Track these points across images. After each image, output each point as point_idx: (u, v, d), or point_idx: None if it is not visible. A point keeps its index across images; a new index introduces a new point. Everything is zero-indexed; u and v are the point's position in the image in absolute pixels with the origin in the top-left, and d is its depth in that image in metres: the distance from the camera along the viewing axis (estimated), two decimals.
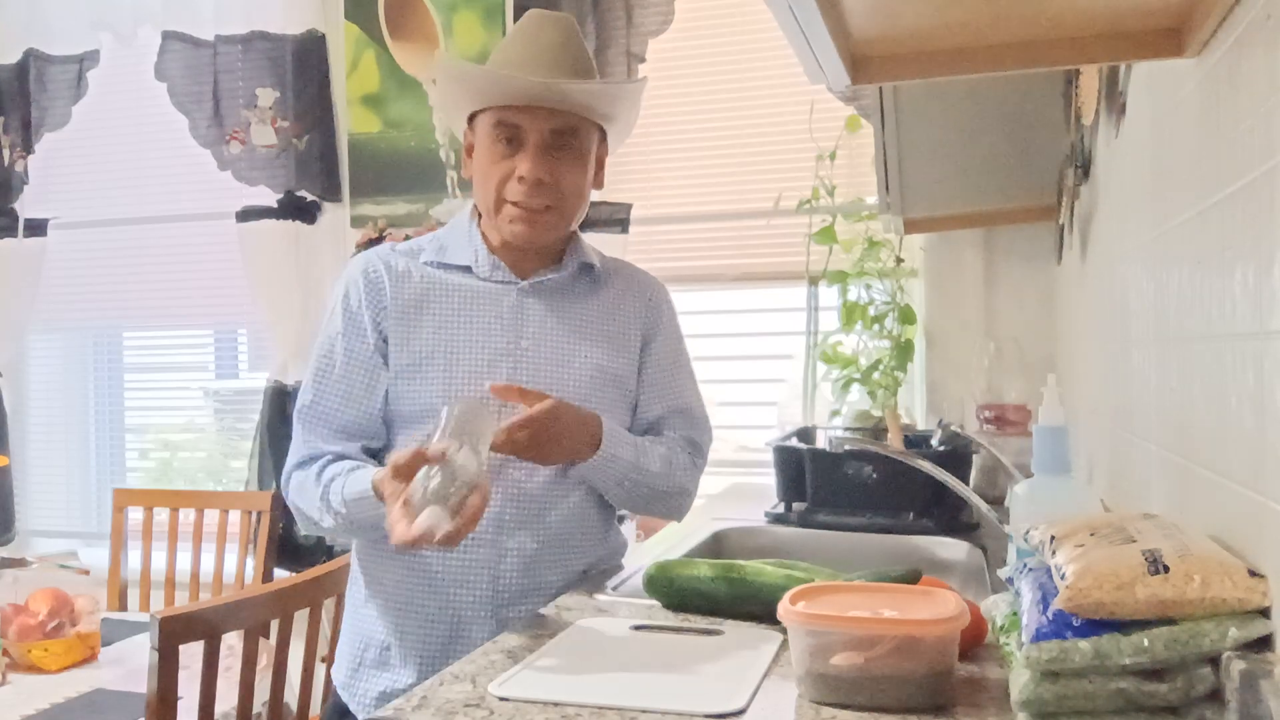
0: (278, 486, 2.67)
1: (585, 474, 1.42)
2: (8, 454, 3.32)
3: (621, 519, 2.66)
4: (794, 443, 2.01)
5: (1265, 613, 0.74)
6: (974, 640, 1.05)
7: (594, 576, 1.47)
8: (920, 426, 2.44)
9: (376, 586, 1.44)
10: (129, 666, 2.05)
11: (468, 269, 1.47)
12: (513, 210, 1.41)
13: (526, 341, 1.44)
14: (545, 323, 1.46)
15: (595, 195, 2.80)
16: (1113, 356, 1.45)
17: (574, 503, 1.45)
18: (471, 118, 1.46)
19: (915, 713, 0.90)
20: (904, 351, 2.54)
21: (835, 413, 2.55)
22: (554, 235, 1.46)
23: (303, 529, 1.48)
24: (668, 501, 1.51)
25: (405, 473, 1.19)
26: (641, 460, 1.44)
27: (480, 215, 1.49)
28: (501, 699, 0.96)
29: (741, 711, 0.93)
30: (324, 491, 1.37)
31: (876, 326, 2.56)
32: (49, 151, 3.29)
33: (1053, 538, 0.90)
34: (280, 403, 3.04)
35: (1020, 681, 0.81)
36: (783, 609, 0.96)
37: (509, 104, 1.39)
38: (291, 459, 1.46)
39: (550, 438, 1.34)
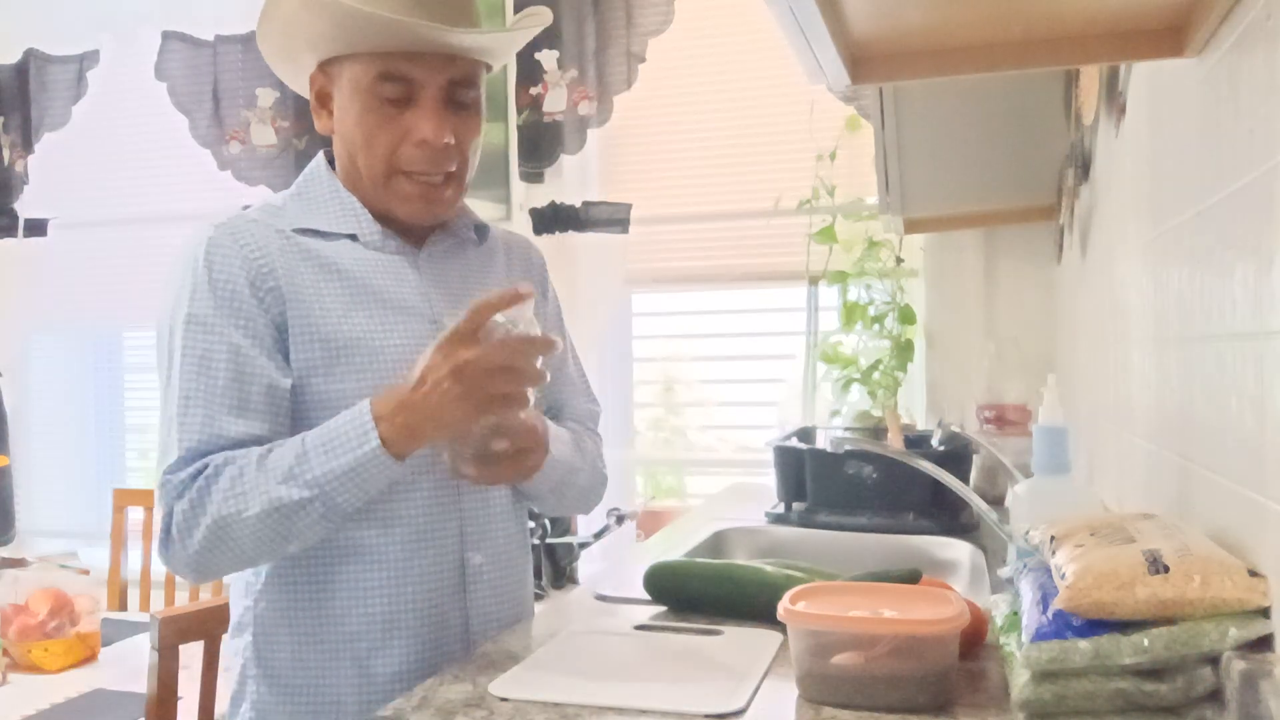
0: None
1: (528, 481, 1.22)
2: (8, 454, 3.32)
3: (622, 519, 2.66)
4: (794, 443, 2.01)
5: (1265, 613, 0.74)
6: (974, 640, 1.05)
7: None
8: (920, 426, 2.44)
9: (315, 648, 1.17)
10: (129, 666, 2.05)
11: (353, 238, 1.22)
12: (408, 185, 1.19)
13: (448, 321, 1.16)
14: (455, 296, 1.24)
15: (595, 195, 2.84)
16: (1113, 356, 1.45)
17: (522, 511, 1.33)
18: (329, 59, 1.19)
19: (915, 713, 0.90)
20: (904, 351, 2.54)
21: (835, 413, 2.55)
22: (454, 207, 1.26)
23: (196, 574, 1.13)
24: (589, 496, 1.37)
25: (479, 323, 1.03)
26: (575, 459, 1.30)
27: (337, 170, 1.25)
28: (501, 699, 0.96)
29: (741, 711, 0.93)
30: (258, 461, 1.08)
31: (876, 326, 2.56)
32: (49, 151, 3.29)
33: (1053, 538, 0.90)
34: None
35: (1020, 681, 0.81)
36: (783, 609, 0.96)
37: (398, 50, 1.14)
38: (170, 498, 1.10)
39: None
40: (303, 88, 1.27)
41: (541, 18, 1.26)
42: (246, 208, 1.27)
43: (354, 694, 1.16)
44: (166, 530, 1.11)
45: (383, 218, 1.24)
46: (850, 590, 1.04)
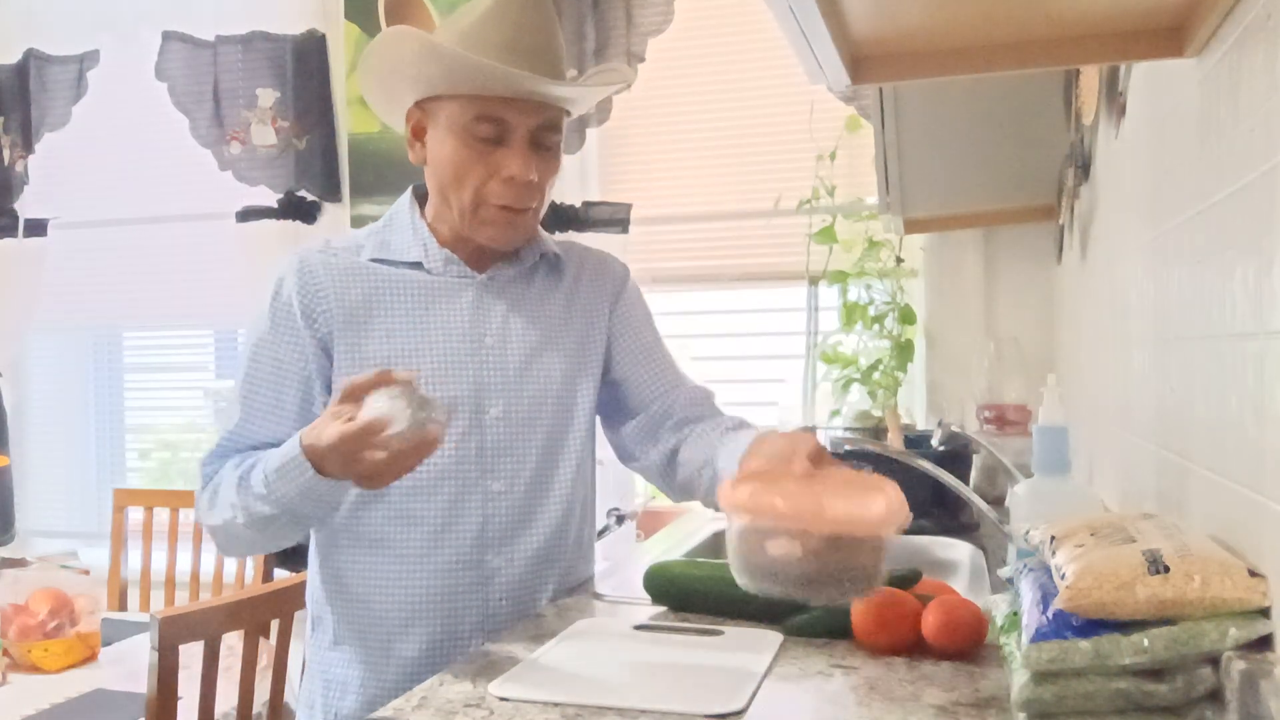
0: None
1: None
2: (8, 454, 3.32)
3: (622, 519, 2.66)
4: None
5: (1265, 613, 0.74)
6: (974, 640, 1.05)
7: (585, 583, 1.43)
8: (920, 426, 2.44)
9: (349, 626, 1.31)
10: (129, 666, 2.05)
11: (418, 264, 1.34)
12: (494, 212, 1.29)
13: (490, 340, 1.33)
14: (508, 320, 1.35)
15: (595, 195, 2.84)
16: (1113, 356, 1.45)
17: (555, 513, 1.35)
18: (427, 98, 1.31)
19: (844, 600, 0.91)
20: (904, 351, 2.54)
21: (835, 413, 2.55)
22: (529, 237, 1.37)
23: (222, 548, 1.31)
24: None
25: (359, 394, 1.08)
26: None
27: (420, 205, 1.38)
28: (501, 699, 0.96)
29: (741, 711, 0.93)
30: (241, 479, 1.21)
31: (876, 326, 2.56)
32: (49, 151, 3.28)
33: (1053, 538, 0.90)
34: None
35: (1020, 681, 0.81)
36: (723, 494, 0.96)
37: (495, 95, 1.26)
38: (199, 487, 1.28)
39: None
40: (394, 121, 1.38)
41: (623, 74, 1.37)
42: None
43: (379, 674, 1.29)
44: (199, 513, 1.29)
45: (450, 244, 1.35)
46: (791, 478, 1.03)
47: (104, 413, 3.52)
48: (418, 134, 1.34)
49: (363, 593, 1.30)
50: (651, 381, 1.43)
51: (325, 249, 1.35)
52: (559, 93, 1.28)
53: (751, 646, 1.11)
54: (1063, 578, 0.80)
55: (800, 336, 2.73)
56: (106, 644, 2.18)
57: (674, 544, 1.71)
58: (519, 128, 1.27)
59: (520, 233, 1.33)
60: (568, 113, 1.35)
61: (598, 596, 1.37)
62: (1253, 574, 0.75)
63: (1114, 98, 1.43)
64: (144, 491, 2.89)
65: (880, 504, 0.93)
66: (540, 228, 1.42)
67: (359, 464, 1.08)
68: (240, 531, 1.23)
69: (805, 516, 0.91)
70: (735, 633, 1.17)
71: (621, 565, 1.57)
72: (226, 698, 1.72)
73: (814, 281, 2.68)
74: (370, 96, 1.37)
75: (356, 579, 1.30)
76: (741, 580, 0.95)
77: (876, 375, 2.52)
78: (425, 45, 1.24)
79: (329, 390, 1.30)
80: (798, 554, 0.90)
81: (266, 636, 1.81)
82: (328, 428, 1.09)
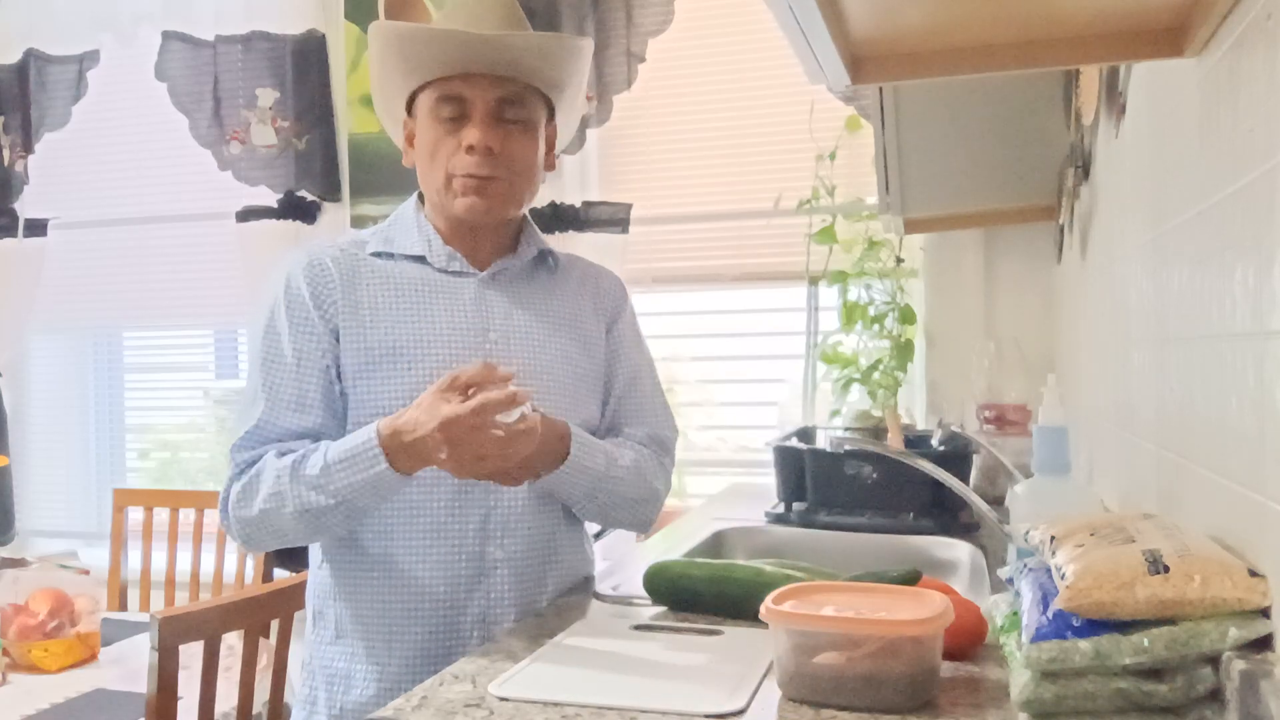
0: None
1: (550, 486, 1.33)
2: (8, 454, 3.32)
3: None
4: (794, 443, 2.01)
5: (1265, 613, 0.74)
6: (974, 640, 1.05)
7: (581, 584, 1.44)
8: (920, 426, 2.44)
9: (351, 619, 1.32)
10: (129, 666, 2.05)
11: (421, 259, 1.38)
12: (462, 183, 1.33)
13: (494, 334, 1.36)
14: (511, 315, 1.38)
15: (595, 195, 2.84)
16: (1113, 356, 1.45)
17: (557, 508, 1.38)
18: (410, 103, 1.39)
19: (896, 712, 0.90)
20: (904, 351, 2.54)
21: (835, 413, 2.55)
22: (507, 210, 1.38)
23: (249, 541, 1.30)
24: (638, 509, 1.43)
25: (464, 386, 1.18)
26: (612, 470, 1.36)
27: (425, 205, 1.42)
28: (501, 699, 0.96)
29: (741, 711, 0.93)
30: (294, 466, 1.23)
31: (876, 326, 2.56)
32: (49, 151, 3.28)
33: (1053, 538, 0.90)
34: None
35: (1020, 681, 0.81)
36: (765, 608, 0.95)
37: (451, 74, 1.32)
38: (232, 474, 1.30)
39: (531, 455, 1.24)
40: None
41: (583, 42, 1.39)
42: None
43: (381, 667, 1.30)
44: (225, 502, 1.30)
45: (451, 240, 1.39)
46: (836, 590, 1.04)
47: (104, 413, 3.52)
48: (409, 140, 1.41)
49: (366, 584, 1.32)
50: (618, 410, 1.47)
51: (331, 245, 1.39)
52: (510, 41, 1.29)
53: (751, 646, 1.11)
54: (1063, 578, 0.80)
55: (800, 336, 2.73)
56: (106, 644, 2.18)
57: (674, 544, 1.71)
58: (477, 102, 1.32)
59: (492, 201, 1.35)
60: (545, 95, 1.38)
61: (598, 596, 1.37)
62: (1253, 574, 0.75)
63: (1114, 98, 1.43)
64: (144, 491, 2.89)
65: (919, 605, 0.94)
66: (534, 225, 1.47)
67: (469, 444, 1.15)
68: (283, 522, 1.25)
69: (851, 622, 0.92)
70: (735, 633, 1.17)
71: (621, 565, 1.57)
72: (226, 698, 1.72)
73: (814, 281, 2.68)
74: (387, 125, 1.46)
75: (360, 570, 1.32)
76: (785, 688, 0.95)
77: (876, 375, 2.52)
78: (383, 30, 1.32)
79: (341, 379, 1.33)
80: (843, 663, 0.90)
81: (266, 636, 1.81)
82: (437, 408, 1.16)
